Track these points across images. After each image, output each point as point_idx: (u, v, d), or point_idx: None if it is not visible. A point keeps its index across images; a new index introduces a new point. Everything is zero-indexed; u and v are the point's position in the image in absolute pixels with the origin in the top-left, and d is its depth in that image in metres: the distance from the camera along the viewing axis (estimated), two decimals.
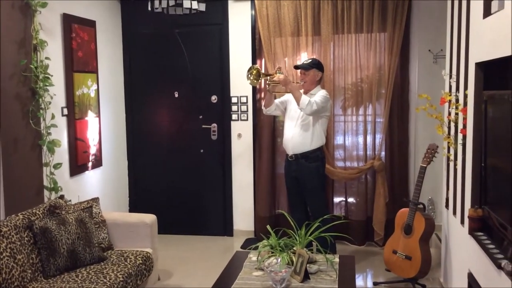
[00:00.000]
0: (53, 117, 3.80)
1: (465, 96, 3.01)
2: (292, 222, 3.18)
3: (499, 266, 2.20)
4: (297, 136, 4.08)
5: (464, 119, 3.03)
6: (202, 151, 5.23)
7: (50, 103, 3.80)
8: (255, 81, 4.08)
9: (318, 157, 4.11)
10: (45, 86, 3.71)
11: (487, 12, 2.56)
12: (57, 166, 3.84)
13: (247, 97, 5.04)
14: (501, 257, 2.27)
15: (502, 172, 2.42)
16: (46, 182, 3.79)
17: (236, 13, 5.00)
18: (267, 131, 4.97)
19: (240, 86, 5.00)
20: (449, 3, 3.61)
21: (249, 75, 4.03)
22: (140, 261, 3.44)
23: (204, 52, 5.13)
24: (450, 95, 3.46)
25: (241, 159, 5.15)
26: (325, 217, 3.28)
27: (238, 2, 4.97)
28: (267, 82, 4.16)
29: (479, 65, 2.74)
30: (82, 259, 3.27)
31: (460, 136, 3.15)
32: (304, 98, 3.89)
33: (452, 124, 3.43)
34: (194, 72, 5.16)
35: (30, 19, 3.63)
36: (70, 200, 3.83)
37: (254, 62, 4.97)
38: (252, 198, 5.16)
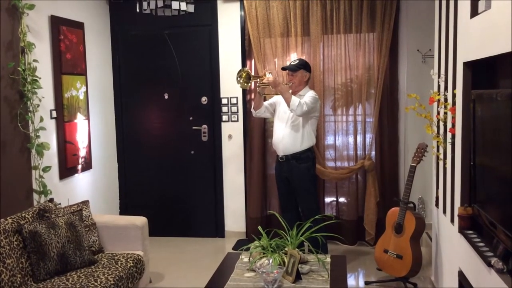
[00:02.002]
0: (41, 120, 3.77)
1: (454, 95, 3.03)
2: (284, 222, 3.18)
3: (489, 264, 2.22)
4: (287, 137, 4.08)
5: (453, 118, 3.05)
6: (192, 152, 5.21)
7: (38, 106, 3.77)
8: (245, 84, 4.08)
9: (308, 158, 4.12)
10: (33, 89, 3.68)
11: (474, 12, 2.58)
12: (46, 169, 3.81)
13: (237, 98, 5.04)
14: (491, 255, 2.29)
15: (491, 170, 2.44)
16: (35, 186, 3.76)
17: (225, 14, 4.99)
18: (258, 132, 4.97)
19: (230, 87, 4.99)
20: (437, 3, 3.64)
21: (239, 78, 4.03)
22: (131, 264, 3.43)
23: (194, 53, 5.12)
24: (439, 95, 3.48)
25: (232, 160, 5.14)
26: (316, 217, 3.28)
27: (227, 3, 4.97)
28: (258, 84, 4.16)
29: (467, 65, 2.76)
30: (73, 262, 3.25)
31: (449, 135, 3.18)
32: (295, 100, 3.90)
33: (441, 123, 3.45)
34: (184, 74, 5.15)
35: (18, 21, 3.60)
36: (59, 204, 3.80)
37: (243, 63, 4.97)
38: (244, 199, 5.15)
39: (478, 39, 2.49)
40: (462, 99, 2.83)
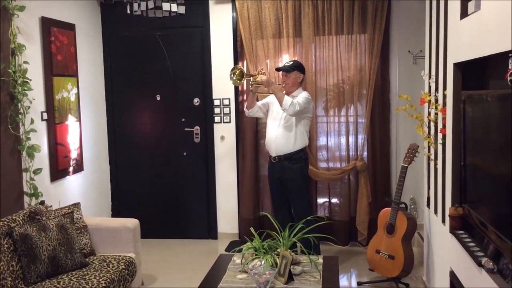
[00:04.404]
0: (32, 122, 3.75)
1: (444, 96, 3.05)
2: (276, 224, 3.19)
3: (479, 264, 2.23)
4: (280, 138, 4.09)
5: (444, 119, 3.07)
6: (185, 154, 5.20)
7: (29, 107, 3.74)
8: (238, 81, 4.08)
9: (301, 158, 4.12)
10: (24, 91, 3.65)
11: (464, 13, 2.60)
12: (37, 171, 3.78)
13: (229, 99, 5.03)
14: (481, 255, 2.31)
15: (481, 170, 2.46)
16: (26, 188, 3.74)
17: (217, 16, 4.99)
18: (250, 133, 4.97)
19: (222, 88, 5.00)
20: (427, 4, 3.66)
21: (232, 75, 4.03)
22: (123, 266, 3.41)
23: (186, 54, 5.11)
24: (430, 95, 3.50)
25: (224, 162, 5.13)
26: (308, 218, 3.29)
27: (219, 4, 4.96)
28: (250, 82, 4.17)
29: (457, 66, 2.77)
30: (64, 265, 3.23)
31: (440, 135, 3.19)
32: (287, 99, 3.91)
33: (432, 124, 3.47)
34: (176, 75, 5.14)
35: (8, 23, 3.58)
36: (51, 206, 3.78)
37: (236, 64, 4.96)
38: (236, 201, 5.15)
39: (468, 40, 2.50)
40: (453, 100, 2.84)
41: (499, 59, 2.07)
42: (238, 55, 4.97)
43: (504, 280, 2.07)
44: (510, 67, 1.88)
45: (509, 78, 1.88)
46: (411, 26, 4.61)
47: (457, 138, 2.80)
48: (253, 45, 4.82)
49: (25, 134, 3.70)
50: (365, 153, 4.81)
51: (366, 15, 4.62)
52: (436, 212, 3.38)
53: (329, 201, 4.99)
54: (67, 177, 4.39)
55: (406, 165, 3.74)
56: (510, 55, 1.88)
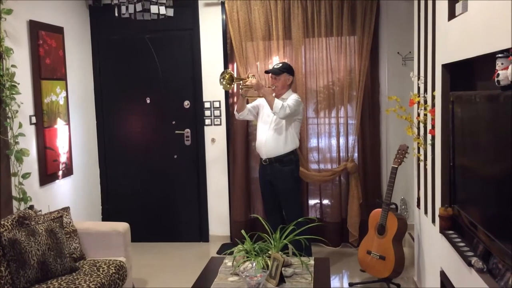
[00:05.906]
0: (20, 126, 3.72)
1: (433, 97, 3.07)
2: (267, 226, 3.18)
3: (469, 264, 2.25)
4: (270, 140, 4.09)
5: (433, 120, 3.08)
6: (175, 157, 5.19)
7: (17, 111, 3.71)
8: (228, 85, 4.07)
9: (292, 161, 4.12)
10: (12, 95, 3.62)
11: (451, 15, 2.62)
12: (26, 175, 3.75)
13: (220, 101, 5.03)
14: (471, 255, 2.32)
15: (470, 171, 2.47)
16: (14, 193, 3.70)
17: (207, 18, 4.98)
18: (241, 135, 4.97)
19: (212, 90, 4.99)
20: (416, 6, 3.68)
21: (222, 80, 4.03)
22: (113, 271, 3.39)
23: (176, 57, 5.10)
24: (419, 97, 3.51)
25: (215, 164, 5.12)
26: (299, 220, 3.29)
27: (209, 7, 4.96)
28: (240, 86, 4.16)
29: (445, 67, 2.79)
30: (53, 270, 3.20)
31: (429, 136, 3.21)
32: (277, 102, 3.91)
33: (421, 125, 3.48)
34: (166, 78, 5.13)
35: None
36: (40, 211, 3.74)
37: (226, 66, 4.96)
38: (228, 203, 5.14)
39: (455, 42, 2.52)
40: (441, 101, 2.86)
41: (487, 60, 2.08)
42: (228, 57, 4.97)
43: (494, 279, 2.08)
44: (497, 68, 1.89)
45: (496, 79, 1.89)
46: (400, 27, 4.63)
47: (446, 138, 2.82)
48: (243, 47, 4.82)
49: (13, 138, 3.67)
50: (356, 155, 4.83)
51: (355, 17, 4.64)
52: (426, 212, 3.39)
53: (320, 203, 4.99)
54: (57, 181, 4.35)
55: (396, 166, 3.75)
56: (497, 56, 1.89)
